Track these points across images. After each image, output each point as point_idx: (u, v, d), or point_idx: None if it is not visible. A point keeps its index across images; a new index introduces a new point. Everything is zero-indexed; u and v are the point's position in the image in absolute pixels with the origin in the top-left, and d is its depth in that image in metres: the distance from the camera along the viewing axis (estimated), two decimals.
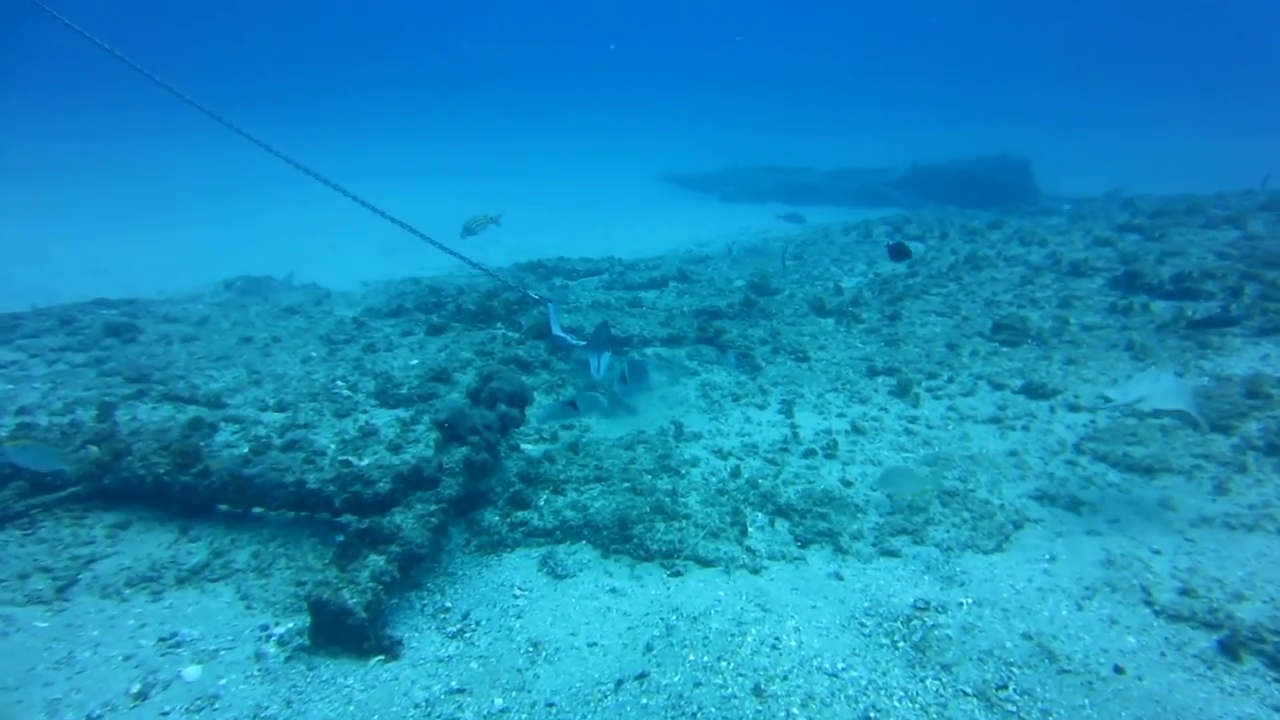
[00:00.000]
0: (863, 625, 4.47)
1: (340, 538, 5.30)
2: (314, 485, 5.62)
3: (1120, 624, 4.19)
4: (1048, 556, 4.90)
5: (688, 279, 12.43)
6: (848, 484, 5.90)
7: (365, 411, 7.33)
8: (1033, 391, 6.97)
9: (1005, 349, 8.04)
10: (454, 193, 28.45)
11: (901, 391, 7.37)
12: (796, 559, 5.16)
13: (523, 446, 6.77)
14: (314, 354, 8.54)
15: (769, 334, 8.85)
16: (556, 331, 8.29)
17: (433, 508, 5.33)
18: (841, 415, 7.08)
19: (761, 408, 7.38)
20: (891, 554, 5.13)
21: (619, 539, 5.42)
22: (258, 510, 5.74)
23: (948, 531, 5.23)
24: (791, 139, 45.09)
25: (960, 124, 44.99)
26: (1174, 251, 9.99)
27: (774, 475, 6.08)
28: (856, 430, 6.73)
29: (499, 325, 9.21)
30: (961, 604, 4.56)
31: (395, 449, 6.58)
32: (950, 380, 7.50)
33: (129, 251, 16.22)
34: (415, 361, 8.23)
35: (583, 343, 8.19)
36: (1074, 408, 6.67)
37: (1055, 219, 14.80)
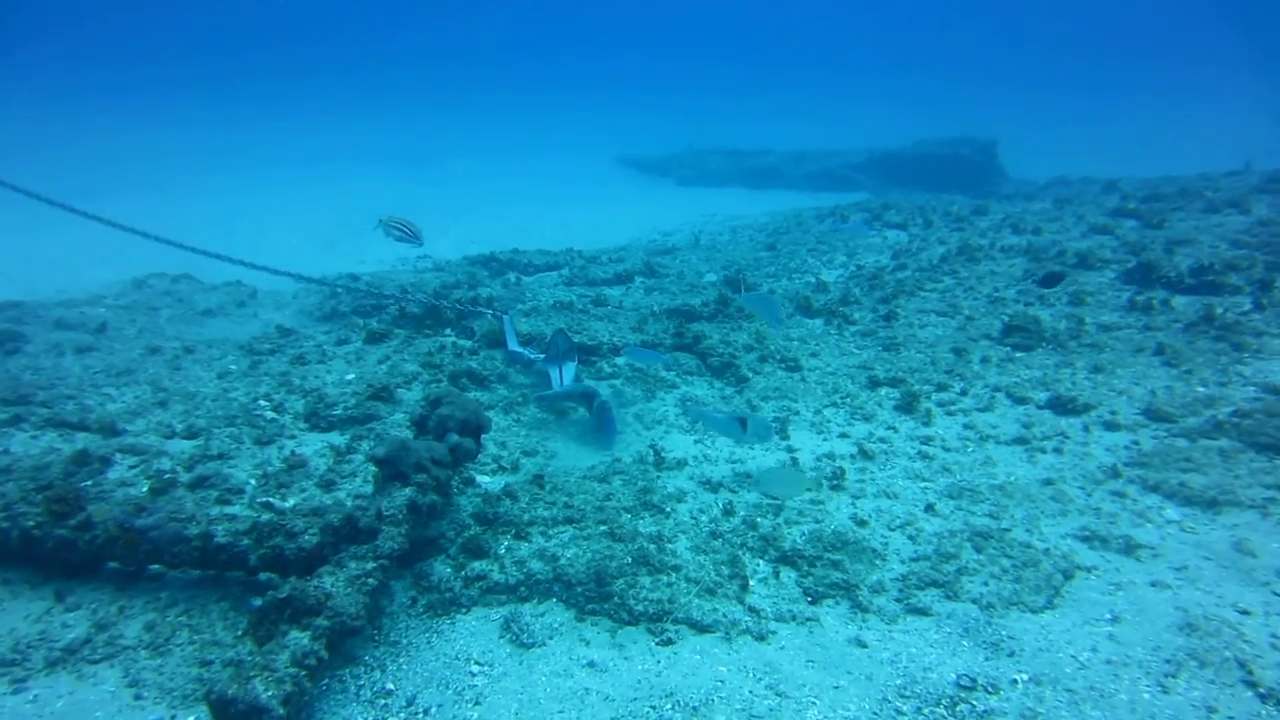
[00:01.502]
0: (898, 713, 3.74)
1: (257, 601, 4.43)
2: (224, 539, 4.71)
3: (1220, 713, 3.52)
4: (1109, 616, 4.23)
5: (655, 273, 11.62)
6: (861, 523, 5.17)
7: (293, 437, 6.39)
8: (1061, 406, 6.33)
9: (1019, 354, 7.40)
10: (396, 176, 27.32)
11: (909, 406, 6.68)
12: (809, 620, 4.42)
13: (478, 479, 5.92)
14: (233, 367, 7.53)
15: (754, 339, 8.09)
16: (513, 347, 7.43)
17: (370, 566, 4.48)
18: (844, 436, 6.37)
19: None
20: (921, 612, 4.42)
21: (596, 597, 4.64)
22: (156, 567, 4.82)
23: (986, 584, 4.53)
24: (748, 119, 44.61)
25: (915, 109, 44.86)
26: (1182, 240, 9.49)
27: (774, 513, 5.32)
28: (864, 454, 6.01)
29: (449, 331, 8.30)
30: (1015, 681, 3.86)
31: (327, 485, 5.69)
32: (963, 393, 6.82)
33: (34, 246, 14.81)
34: (352, 376, 7.29)
35: (541, 355, 7.35)
36: (1111, 425, 6.04)
37: (1038, 204, 14.33)
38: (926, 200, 15.98)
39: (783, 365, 7.60)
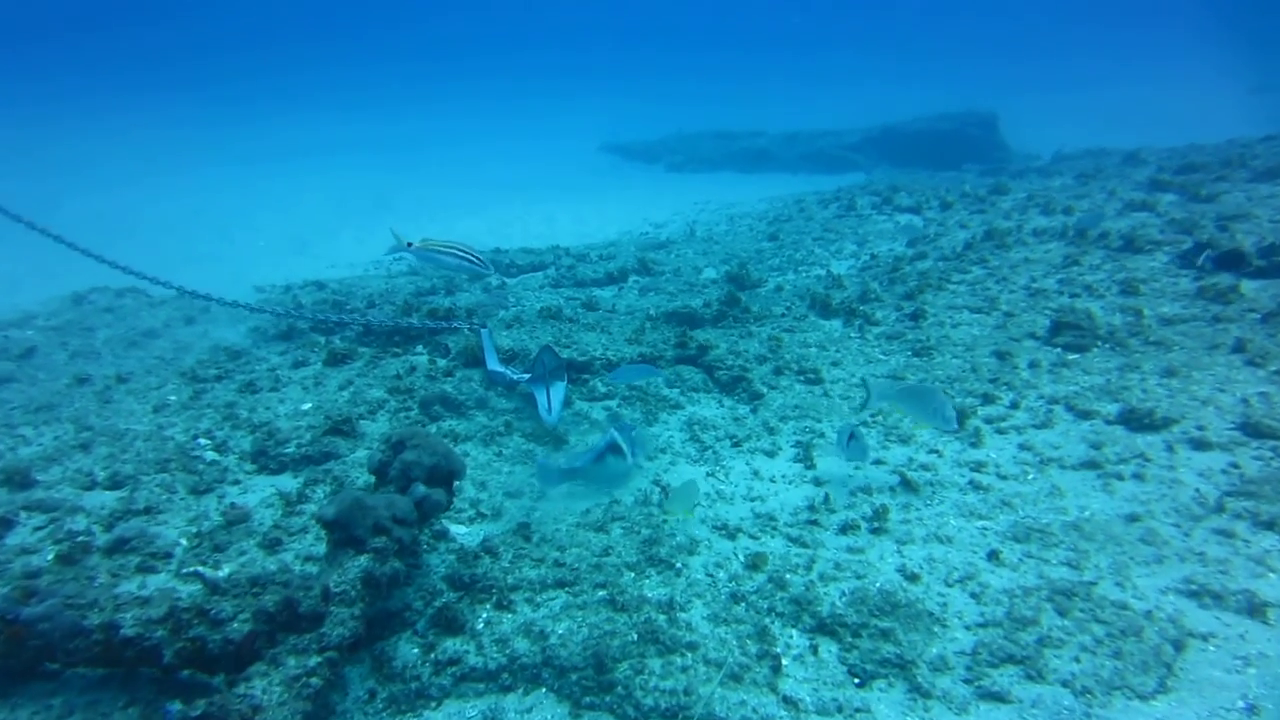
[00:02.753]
0: None
1: (175, 706, 3.63)
2: (132, 630, 3.87)
3: None
4: (1243, 703, 3.43)
5: (649, 271, 10.78)
6: (912, 578, 4.37)
7: (236, 483, 5.56)
8: (1134, 420, 5.51)
9: (1073, 356, 6.58)
10: (376, 167, 26.38)
11: None
12: (858, 711, 3.62)
13: (453, 531, 5.11)
14: (173, 398, 6.68)
15: (768, 347, 7.26)
16: (493, 366, 6.59)
17: (313, 662, 3.71)
18: (880, 462, 5.56)
19: (771, 454, 5.82)
20: (997, 698, 3.62)
21: (595, 687, 3.86)
22: (51, 665, 3.99)
23: (1077, 659, 3.73)
24: (735, 102, 43.71)
25: (898, 84, 44.03)
26: (1236, 215, 8.66)
27: (805, 566, 4.52)
28: (906, 486, 5.20)
29: (420, 348, 7.45)
30: None
31: (271, 545, 4.86)
32: (1014, 405, 6.01)
33: None
34: (309, 405, 6.45)
35: (525, 375, 6.52)
36: (1200, 444, 5.22)
37: (1058, 180, 13.50)
38: (937, 179, 15.13)
39: (801, 378, 6.78)
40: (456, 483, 4.82)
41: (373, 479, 4.70)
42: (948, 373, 6.60)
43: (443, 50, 71.43)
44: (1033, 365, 6.50)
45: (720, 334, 7.78)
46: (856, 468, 5.50)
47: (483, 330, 6.66)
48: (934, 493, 5.15)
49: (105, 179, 23.16)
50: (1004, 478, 5.24)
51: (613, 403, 6.61)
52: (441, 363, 6.97)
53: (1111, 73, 44.74)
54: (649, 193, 21.96)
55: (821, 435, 5.96)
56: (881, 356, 7.12)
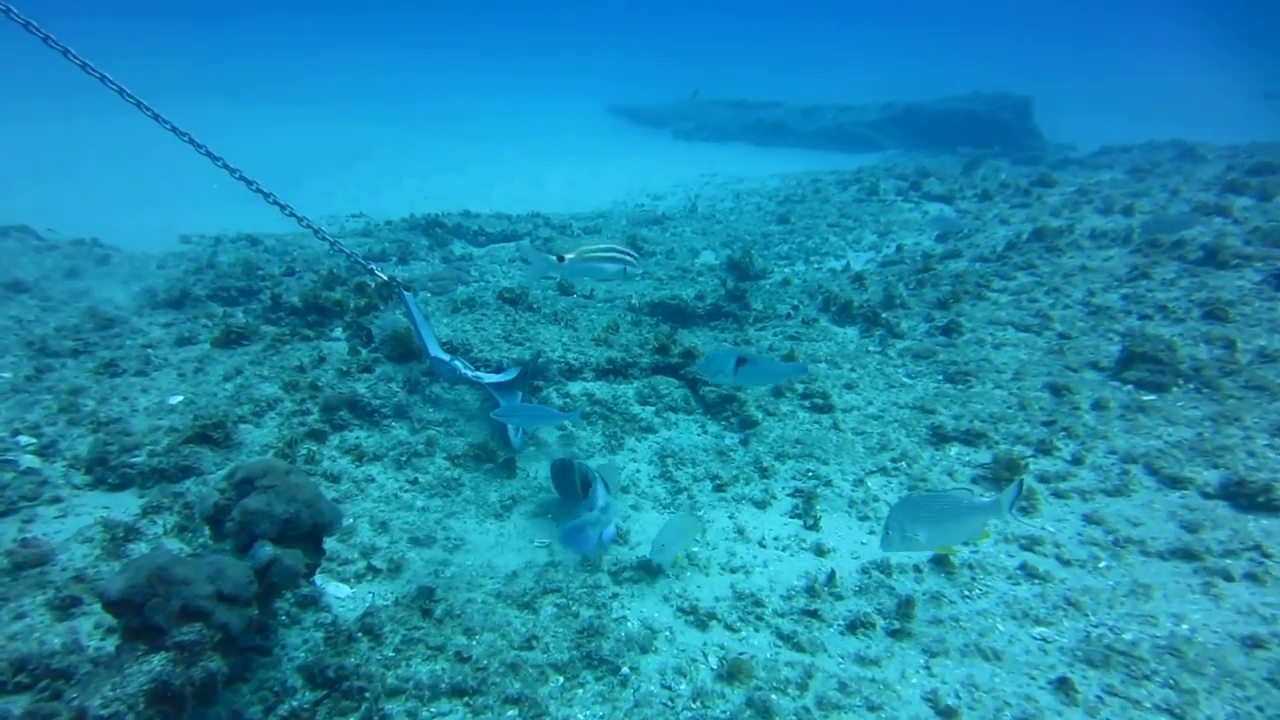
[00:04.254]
0: None
1: None
2: None
3: None
4: None
5: (639, 251, 9.51)
6: (948, 715, 3.18)
7: (56, 500, 4.35)
8: (1243, 496, 4.31)
9: (1149, 397, 5.36)
10: (360, 117, 24.96)
11: (995, 480, 4.68)
12: None
13: (329, 591, 3.90)
14: (4, 375, 5.43)
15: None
16: (435, 351, 5.34)
17: None
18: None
19: (762, 505, 4.62)
20: None
21: None
22: None
23: None
24: (756, 68, 42.25)
25: (937, 63, 42.39)
26: None
27: (799, 684, 3.35)
28: (938, 567, 4.01)
29: (339, 330, 6.20)
30: None
31: (65, 606, 3.64)
32: (1077, 460, 4.81)
33: None
34: (179, 399, 5.22)
35: (481, 374, 5.30)
36: None
37: (1108, 173, 12.20)
38: (987, 167, 13.78)
39: (806, 403, 5.56)
40: (328, 539, 3.62)
41: (212, 530, 3.50)
42: (990, 409, 5.38)
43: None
44: (1099, 406, 5.28)
45: (712, 336, 6.56)
46: (870, 533, 4.31)
47: (407, 294, 5.33)
48: (974, 579, 3.96)
49: (51, 107, 21.77)
50: (1067, 563, 4.04)
51: (567, 418, 5.39)
52: (362, 353, 5.73)
53: (1121, 62, 43.31)
54: (652, 160, 20.62)
55: (829, 483, 4.75)
56: (906, 380, 5.89)
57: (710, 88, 31.94)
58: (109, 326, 6.16)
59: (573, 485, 4.42)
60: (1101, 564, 4.03)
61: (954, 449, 5.04)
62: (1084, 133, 20.96)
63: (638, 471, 4.94)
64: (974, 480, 4.75)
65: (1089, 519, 4.34)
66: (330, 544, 4.18)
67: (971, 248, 8.70)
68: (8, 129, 18.30)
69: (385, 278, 5.41)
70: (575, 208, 13.70)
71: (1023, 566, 4.02)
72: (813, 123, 26.49)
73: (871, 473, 4.85)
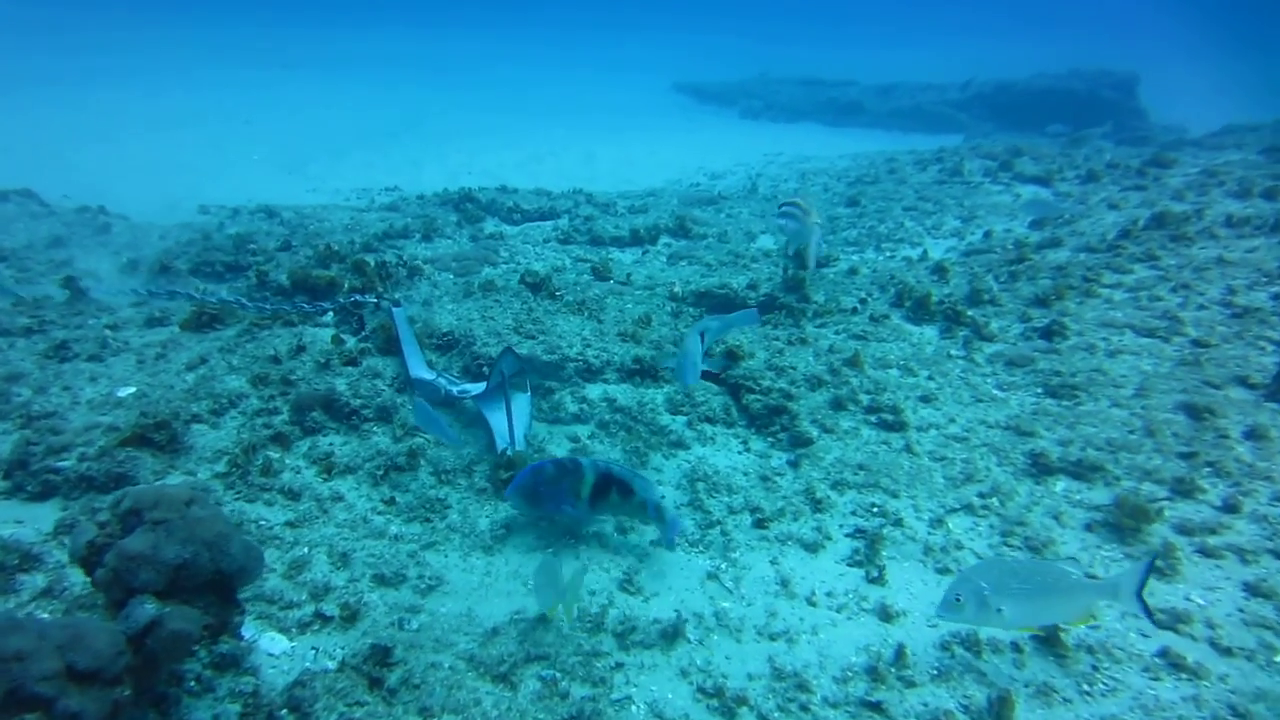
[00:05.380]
0: None
1: None
2: None
3: None
4: None
5: (688, 232, 8.66)
6: None
7: None
8: None
9: None
10: (415, 83, 24.61)
11: (1119, 528, 3.72)
12: None
13: (260, 645, 3.17)
14: None
15: (828, 363, 5.13)
16: (418, 372, 4.61)
17: None
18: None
19: (813, 548, 3.75)
20: None
21: None
22: None
23: None
24: (828, 49, 40.85)
25: (1017, 43, 40.22)
26: None
27: None
28: (1045, 646, 3.10)
29: (330, 314, 5.49)
30: None
31: None
32: (1230, 507, 3.81)
33: None
34: (130, 390, 4.55)
35: (468, 387, 4.56)
36: None
37: (1235, 154, 10.83)
38: (1092, 145, 12.53)
39: (873, 417, 4.64)
40: (250, 586, 2.88)
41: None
42: (1104, 432, 4.39)
43: None
44: (1255, 436, 4.25)
45: (762, 334, 5.66)
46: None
47: (395, 309, 4.65)
48: (1096, 668, 3.03)
49: (122, 68, 21.89)
50: (1228, 652, 3.09)
51: (584, 429, 4.58)
52: (349, 342, 5.01)
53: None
54: (715, 139, 19.66)
55: (899, 522, 3.85)
56: (997, 392, 4.92)
57: (780, 66, 30.87)
58: (77, 300, 5.56)
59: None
60: (1278, 658, 3.06)
61: (1060, 484, 4.07)
62: (1191, 117, 19.35)
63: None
64: (1088, 527, 3.79)
65: (1253, 590, 3.36)
66: (274, 581, 3.46)
67: (1074, 235, 7.59)
68: (58, 94, 18.30)
69: (373, 300, 4.77)
70: (629, 186, 12.90)
71: (1164, 654, 3.07)
72: (889, 102, 25.23)
73: (953, 511, 3.93)
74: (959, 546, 3.68)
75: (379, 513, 3.95)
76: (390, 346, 4.93)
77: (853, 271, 7.37)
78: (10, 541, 3.39)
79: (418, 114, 20.49)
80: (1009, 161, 10.85)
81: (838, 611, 3.39)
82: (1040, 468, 4.16)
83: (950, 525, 3.84)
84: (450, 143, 17.51)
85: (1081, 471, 4.10)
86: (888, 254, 8.18)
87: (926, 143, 17.48)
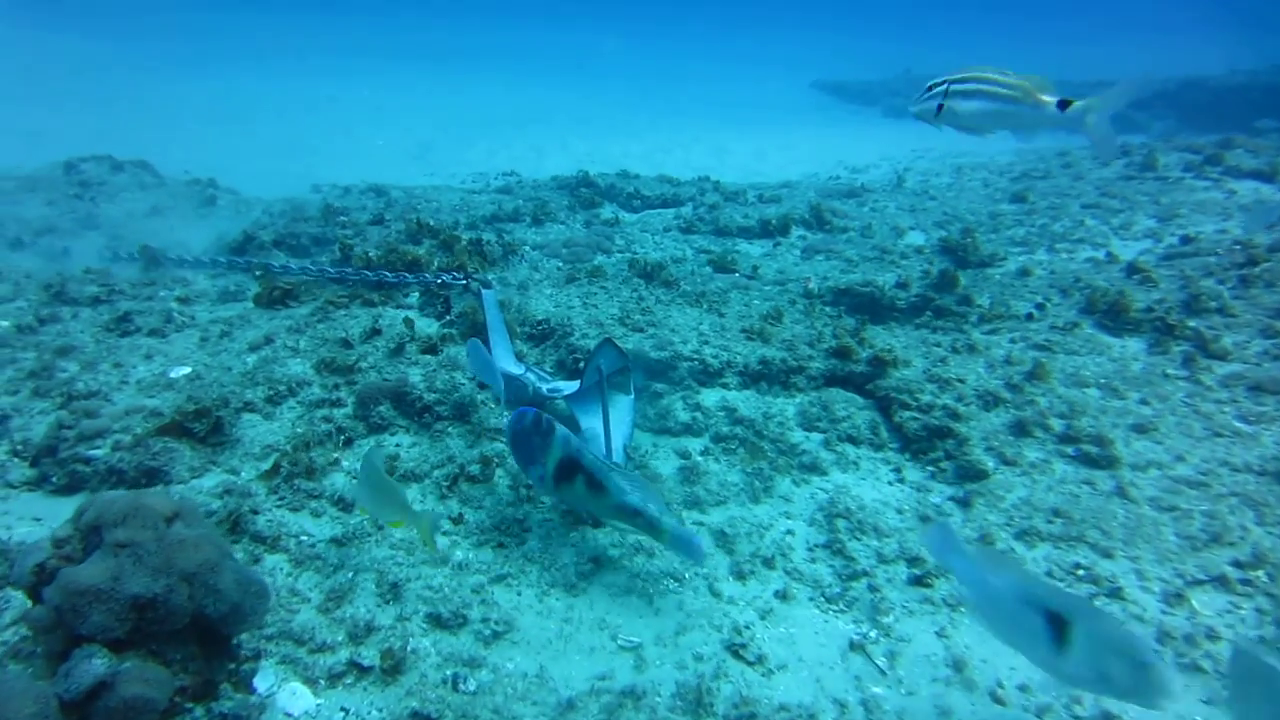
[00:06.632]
0: None
1: None
2: None
3: None
4: None
5: (825, 224, 7.78)
6: None
7: None
8: None
9: None
10: (551, 84, 24.53)
11: None
12: None
13: (279, 700, 2.57)
14: (3, 323, 4.53)
15: (1005, 376, 4.19)
16: (503, 365, 3.98)
17: None
18: None
19: None
20: None
21: None
22: None
23: None
24: (977, 48, 38.82)
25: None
26: None
27: None
28: None
29: (415, 293, 4.93)
30: None
31: None
32: None
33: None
34: (184, 371, 4.09)
35: (559, 385, 3.90)
36: None
37: None
38: None
39: (1069, 448, 3.69)
40: (242, 631, 2.27)
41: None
42: None
43: None
44: None
45: (917, 338, 4.77)
46: (1204, 700, 2.47)
47: (485, 292, 4.04)
48: None
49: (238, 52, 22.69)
50: None
51: (696, 443, 3.82)
52: (430, 327, 4.43)
53: None
54: (856, 134, 18.60)
55: (1117, 593, 2.92)
56: (1241, 425, 3.86)
57: (924, 65, 29.28)
58: (152, 269, 5.21)
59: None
60: None
61: None
62: None
63: (789, 535, 3.31)
64: None
65: None
66: (306, 614, 2.86)
67: None
68: (203, 84, 19.00)
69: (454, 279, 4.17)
70: (761, 179, 12.09)
71: None
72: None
73: (1197, 583, 2.96)
74: (1214, 636, 2.72)
75: (444, 532, 3.31)
76: (476, 333, 4.32)
77: (1024, 273, 6.33)
78: (11, 547, 2.91)
79: (549, 107, 20.30)
80: (1217, 155, 9.41)
81: (1039, 717, 2.51)
82: None
83: (1194, 603, 2.87)
84: (575, 130, 17.21)
85: None
86: (1064, 255, 7.08)
87: None
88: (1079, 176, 9.97)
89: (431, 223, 5.70)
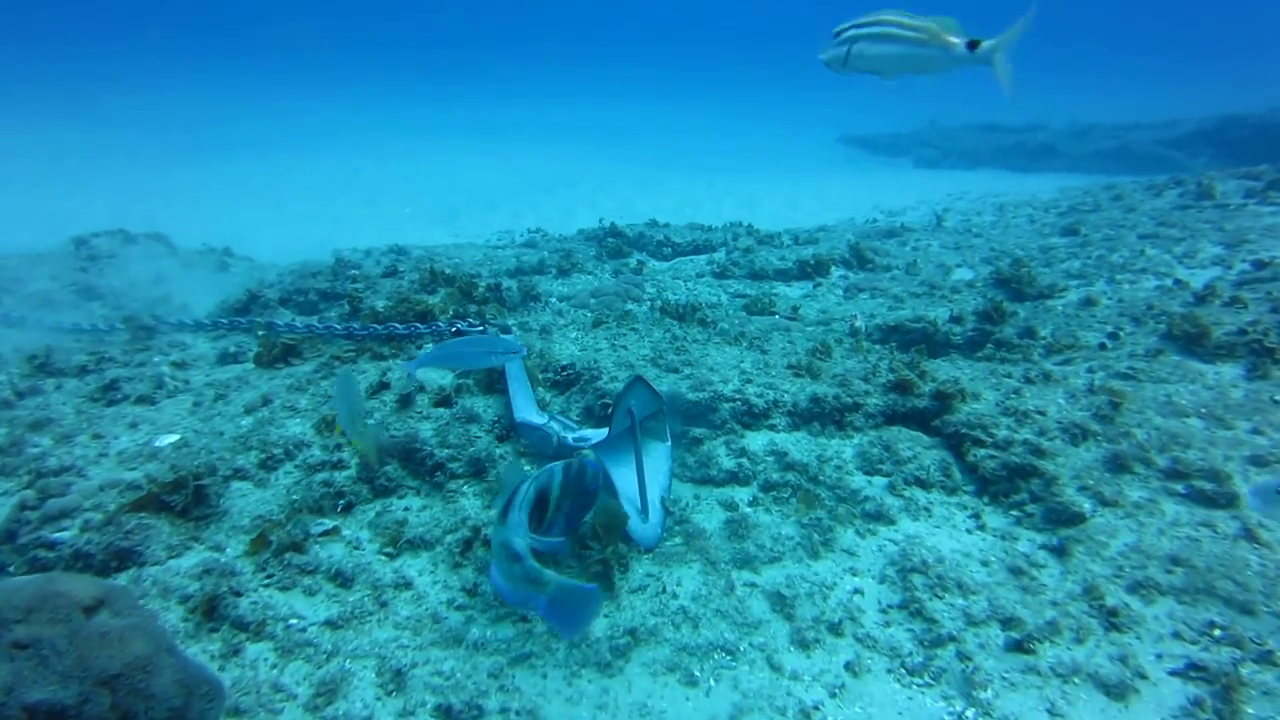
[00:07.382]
0: None
1: None
2: None
3: None
4: None
5: (866, 263, 7.40)
6: None
7: None
8: None
9: None
10: (579, 153, 24.67)
11: None
12: None
13: None
14: None
15: (1090, 406, 3.73)
16: (524, 414, 3.63)
17: None
18: None
19: (1119, 692, 2.41)
20: None
21: None
22: None
23: None
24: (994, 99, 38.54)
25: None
26: None
27: None
28: None
29: (429, 344, 4.60)
30: None
31: None
32: None
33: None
34: (171, 439, 3.76)
35: (586, 434, 3.53)
36: None
37: None
38: None
39: (1177, 485, 3.21)
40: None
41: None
42: None
43: (680, 33, 69.94)
44: None
45: (984, 369, 4.32)
46: None
47: (504, 338, 3.70)
48: None
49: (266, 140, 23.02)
50: None
51: (743, 493, 3.40)
52: (443, 379, 4.08)
53: None
54: (889, 181, 18.35)
55: (1267, 656, 2.42)
56: None
57: (948, 117, 29.13)
58: (144, 336, 4.94)
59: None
60: None
61: None
62: None
63: (858, 595, 2.85)
64: None
65: None
66: (292, 715, 2.45)
67: None
68: (230, 166, 19.26)
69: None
70: (792, 225, 11.81)
71: None
72: (1088, 144, 22.93)
73: None
74: None
75: (457, 606, 2.90)
76: (494, 384, 3.96)
77: (1089, 302, 5.89)
78: None
79: (578, 172, 20.31)
80: (1278, 180, 8.95)
81: None
82: None
83: None
84: (605, 189, 17.16)
85: None
86: (1126, 285, 6.62)
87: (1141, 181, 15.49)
88: (1131, 208, 9.53)
89: (448, 271, 5.40)
